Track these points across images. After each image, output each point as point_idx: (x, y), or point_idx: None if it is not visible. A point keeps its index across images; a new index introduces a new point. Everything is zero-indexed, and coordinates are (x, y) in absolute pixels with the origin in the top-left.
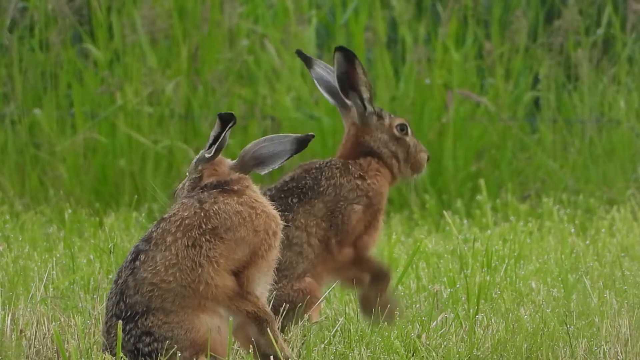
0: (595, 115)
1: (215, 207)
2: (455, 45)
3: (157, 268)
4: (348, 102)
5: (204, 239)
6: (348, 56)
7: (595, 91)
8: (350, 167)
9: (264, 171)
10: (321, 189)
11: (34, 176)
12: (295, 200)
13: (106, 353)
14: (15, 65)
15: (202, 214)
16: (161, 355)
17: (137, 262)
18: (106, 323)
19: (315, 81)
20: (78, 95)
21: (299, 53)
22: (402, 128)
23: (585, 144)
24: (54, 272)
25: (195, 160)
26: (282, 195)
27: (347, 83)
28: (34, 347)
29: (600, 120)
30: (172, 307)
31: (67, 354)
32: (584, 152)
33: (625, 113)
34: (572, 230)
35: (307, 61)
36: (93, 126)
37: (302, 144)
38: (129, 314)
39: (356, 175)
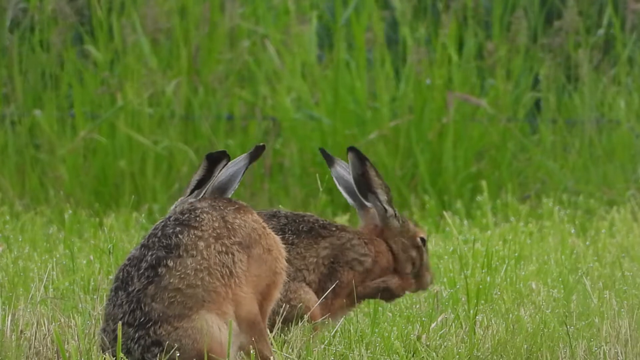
0: (596, 115)
1: (237, 221)
2: (455, 46)
3: (187, 272)
4: (367, 203)
5: (235, 248)
6: (360, 157)
7: (595, 92)
8: (363, 234)
9: (229, 195)
10: (332, 229)
11: (34, 177)
12: (305, 229)
13: (106, 354)
14: (16, 66)
15: (228, 227)
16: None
17: (161, 269)
18: (113, 331)
19: (334, 180)
20: (78, 96)
21: (322, 151)
22: (423, 241)
23: (585, 145)
24: (54, 273)
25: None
26: (296, 220)
27: (365, 185)
28: (34, 347)
29: (601, 121)
30: (189, 313)
31: (67, 354)
32: (584, 152)
33: (625, 114)
34: (572, 230)
35: (329, 160)
36: (93, 127)
37: (254, 156)
38: (142, 320)
39: (367, 240)
